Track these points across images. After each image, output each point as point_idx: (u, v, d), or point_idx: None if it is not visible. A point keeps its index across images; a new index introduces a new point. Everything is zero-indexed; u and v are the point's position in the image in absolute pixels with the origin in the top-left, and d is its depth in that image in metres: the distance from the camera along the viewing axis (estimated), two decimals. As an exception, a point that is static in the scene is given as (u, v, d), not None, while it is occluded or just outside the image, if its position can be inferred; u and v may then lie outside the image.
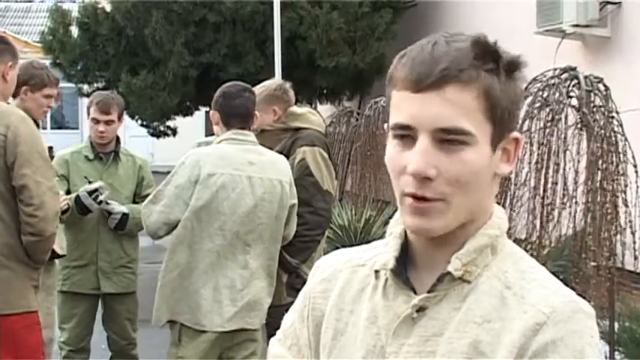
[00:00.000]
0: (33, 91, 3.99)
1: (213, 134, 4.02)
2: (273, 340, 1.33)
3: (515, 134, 1.16)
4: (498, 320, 1.10)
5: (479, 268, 1.14)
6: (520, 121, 4.24)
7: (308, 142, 3.82)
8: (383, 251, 1.21)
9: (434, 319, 1.13)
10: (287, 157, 3.76)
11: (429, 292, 1.14)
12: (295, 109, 4.01)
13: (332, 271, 1.27)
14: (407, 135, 1.11)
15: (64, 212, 3.82)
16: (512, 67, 1.13)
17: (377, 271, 1.20)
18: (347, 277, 1.25)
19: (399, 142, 1.12)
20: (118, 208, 4.26)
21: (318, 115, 4.15)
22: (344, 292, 1.24)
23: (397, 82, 1.12)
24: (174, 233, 3.41)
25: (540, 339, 1.07)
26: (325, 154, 3.86)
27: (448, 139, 1.09)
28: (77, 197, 4.13)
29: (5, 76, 3.37)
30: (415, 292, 1.15)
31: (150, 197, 3.47)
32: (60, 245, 3.91)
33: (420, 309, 1.13)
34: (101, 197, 4.17)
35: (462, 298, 1.13)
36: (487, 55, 1.11)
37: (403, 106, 1.11)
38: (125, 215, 4.26)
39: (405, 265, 1.18)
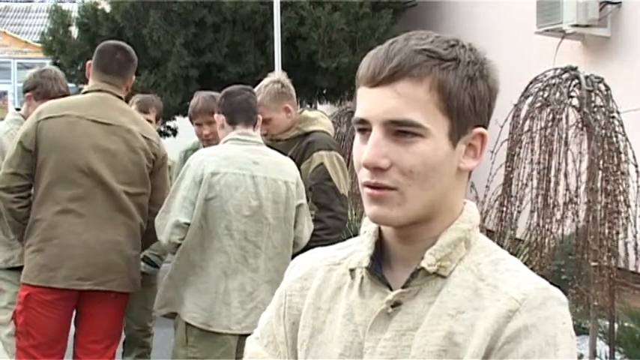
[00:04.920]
0: (36, 99, 4.07)
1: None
2: (250, 338, 1.34)
3: (480, 130, 1.17)
4: (471, 310, 1.12)
5: (453, 263, 1.15)
6: (521, 121, 4.24)
7: (324, 146, 3.82)
8: (358, 249, 1.23)
9: (408, 313, 1.15)
10: (301, 160, 3.75)
11: (403, 287, 1.15)
12: (308, 113, 4.01)
13: (308, 269, 1.29)
14: (365, 128, 1.14)
15: None
16: (477, 66, 1.15)
17: (352, 270, 1.22)
18: (323, 276, 1.26)
19: (360, 135, 1.16)
20: (148, 267, 4.54)
21: (327, 119, 4.15)
22: (321, 290, 1.25)
23: (359, 79, 1.17)
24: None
25: (513, 325, 1.08)
26: (341, 158, 3.86)
27: (401, 130, 1.11)
28: None
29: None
30: (391, 289, 1.17)
31: (162, 207, 3.45)
32: None
33: (395, 304, 1.15)
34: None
35: (436, 292, 1.14)
36: (444, 55, 1.13)
37: (361, 101, 1.16)
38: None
39: (380, 263, 1.20)
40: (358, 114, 1.15)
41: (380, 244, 1.21)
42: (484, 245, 1.20)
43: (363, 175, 1.14)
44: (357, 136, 1.17)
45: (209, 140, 4.41)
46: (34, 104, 4.03)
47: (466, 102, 1.13)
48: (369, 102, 1.13)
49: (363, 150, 1.14)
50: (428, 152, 1.11)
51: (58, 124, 3.49)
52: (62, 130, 3.48)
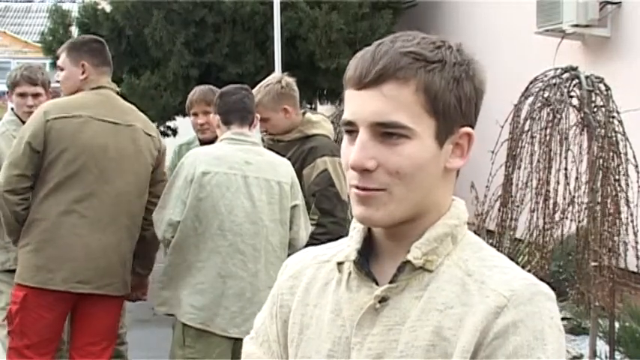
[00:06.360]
0: (12, 93, 4.24)
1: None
2: (246, 338, 1.36)
3: (467, 129, 1.18)
4: (460, 306, 1.13)
5: (440, 257, 1.17)
6: (521, 121, 4.24)
7: (327, 152, 3.83)
8: (347, 245, 1.25)
9: (396, 308, 1.16)
10: (302, 163, 3.75)
11: (390, 282, 1.17)
12: (310, 116, 4.01)
13: (298, 268, 1.31)
14: (353, 130, 1.16)
15: None
16: (463, 67, 1.16)
17: (340, 264, 1.23)
18: (312, 274, 1.28)
19: (348, 137, 1.18)
20: None
21: (329, 122, 4.17)
22: (309, 287, 1.27)
23: (347, 81, 1.18)
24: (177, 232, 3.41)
25: (501, 321, 1.09)
26: None
27: (387, 132, 1.13)
28: None
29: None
30: (377, 284, 1.19)
31: (159, 202, 3.46)
32: None
33: (383, 299, 1.17)
34: None
35: (423, 287, 1.16)
36: (430, 57, 1.14)
37: (348, 103, 1.17)
38: None
39: (367, 258, 1.21)
40: (346, 116, 1.17)
41: (369, 240, 1.23)
42: (471, 242, 1.21)
43: (352, 177, 1.16)
44: (345, 137, 1.18)
45: (204, 131, 4.41)
46: (11, 98, 4.25)
47: (452, 103, 1.15)
48: (356, 104, 1.15)
49: (350, 151, 1.15)
50: (414, 153, 1.13)
51: (70, 124, 3.47)
52: (74, 131, 3.47)
